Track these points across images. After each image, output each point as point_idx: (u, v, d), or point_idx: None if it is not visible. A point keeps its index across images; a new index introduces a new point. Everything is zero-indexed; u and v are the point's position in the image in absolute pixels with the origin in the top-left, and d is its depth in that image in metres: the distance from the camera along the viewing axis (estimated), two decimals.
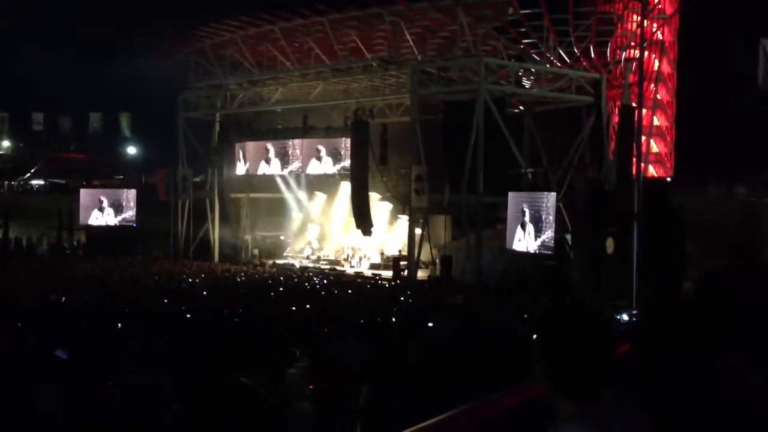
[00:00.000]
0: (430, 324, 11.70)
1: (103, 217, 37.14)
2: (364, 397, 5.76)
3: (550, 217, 22.08)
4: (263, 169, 34.47)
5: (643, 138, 25.68)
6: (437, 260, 27.42)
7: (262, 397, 1.57)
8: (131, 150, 52.31)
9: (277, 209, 36.19)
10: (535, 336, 2.05)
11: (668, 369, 2.22)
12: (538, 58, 27.91)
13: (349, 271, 30.40)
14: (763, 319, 2.21)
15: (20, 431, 5.17)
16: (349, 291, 20.40)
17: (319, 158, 32.19)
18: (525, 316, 13.86)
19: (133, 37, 45.08)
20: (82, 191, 38.71)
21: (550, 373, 1.98)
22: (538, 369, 2.01)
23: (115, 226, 36.71)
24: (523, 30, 27.18)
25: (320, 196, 35.32)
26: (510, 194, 23.93)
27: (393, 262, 28.83)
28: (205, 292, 18.82)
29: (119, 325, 10.82)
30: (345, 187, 31.68)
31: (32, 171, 49.49)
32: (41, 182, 48.55)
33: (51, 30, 53.24)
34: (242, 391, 1.55)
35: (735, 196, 25.90)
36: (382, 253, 31.67)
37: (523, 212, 23.08)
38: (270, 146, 34.17)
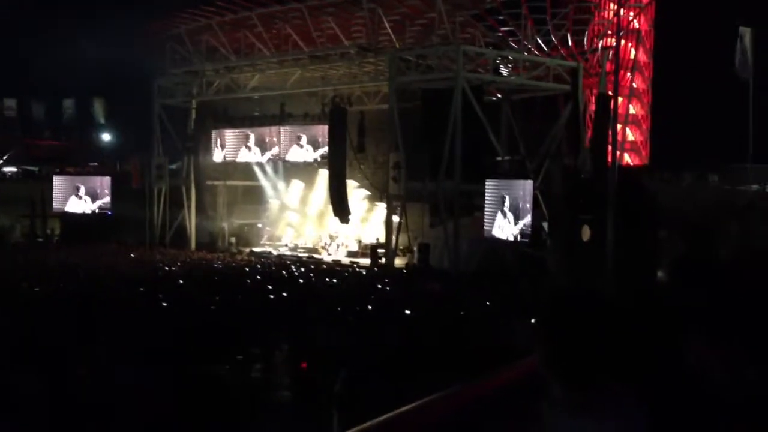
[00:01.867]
0: (408, 311, 11.76)
1: (81, 204, 36.69)
2: (341, 383, 5.77)
3: (528, 205, 22.21)
4: (242, 156, 34.21)
5: (619, 126, 25.87)
6: (415, 248, 27.48)
7: (229, 386, 1.54)
8: (106, 137, 51.62)
9: (255, 197, 36.00)
10: (535, 321, 1.99)
11: (642, 354, 2.24)
12: (515, 46, 27.97)
13: (327, 258, 30.36)
14: (727, 307, 2.24)
15: None
16: (327, 279, 20.40)
17: (300, 145, 31.98)
18: (501, 303, 13.97)
19: (108, 21, 44.37)
20: (57, 178, 38.15)
21: (552, 360, 1.93)
22: (539, 356, 1.95)
23: (91, 213, 36.29)
24: (501, 18, 27.22)
25: (298, 184, 35.18)
26: (487, 182, 24.01)
27: (370, 250, 28.84)
28: (181, 281, 18.71)
29: (94, 313, 10.73)
30: (323, 175, 31.58)
31: (5, 158, 48.68)
32: (14, 169, 47.76)
33: (23, 14, 52.27)
34: (208, 380, 1.52)
35: (709, 184, 26.21)
36: (359, 241, 31.67)
37: (503, 200, 23.20)
38: (249, 133, 33.92)
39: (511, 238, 22.75)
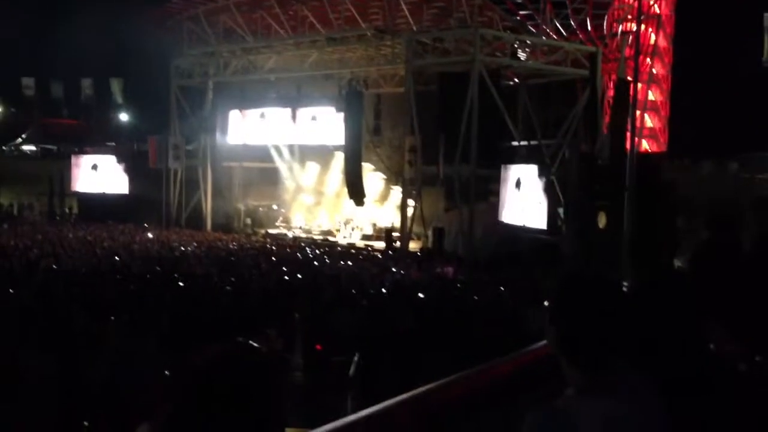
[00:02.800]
0: (421, 295, 11.78)
1: (96, 184, 37.00)
2: (356, 367, 5.81)
3: (543, 191, 22.11)
4: (257, 137, 34.26)
5: (638, 112, 25.63)
6: (429, 232, 27.48)
7: (265, 356, 1.54)
8: (123, 117, 51.89)
9: (270, 179, 36.09)
10: (547, 303, 1.99)
11: (661, 338, 2.24)
12: (534, 30, 27.72)
13: (342, 241, 30.44)
14: (743, 295, 2.24)
15: (8, 394, 5.19)
16: (341, 262, 20.47)
17: (314, 127, 31.95)
18: (514, 288, 13.98)
19: (126, 1, 44.45)
20: (74, 157, 38.50)
21: (563, 342, 1.92)
22: (550, 337, 1.95)
23: (108, 193, 36.57)
24: (520, 1, 26.97)
25: (313, 166, 35.23)
26: (503, 167, 23.92)
27: (385, 234, 28.87)
28: (197, 260, 18.83)
29: (111, 292, 10.85)
30: (338, 158, 31.59)
31: (24, 136, 49.11)
32: (33, 148, 48.20)
33: None
34: (243, 351, 1.52)
35: (728, 171, 25.91)
36: (374, 225, 31.69)
37: (518, 185, 23.10)
38: (264, 115, 33.93)
39: (526, 224, 22.67)
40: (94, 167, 37.26)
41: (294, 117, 32.66)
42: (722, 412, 2.12)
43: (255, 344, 1.54)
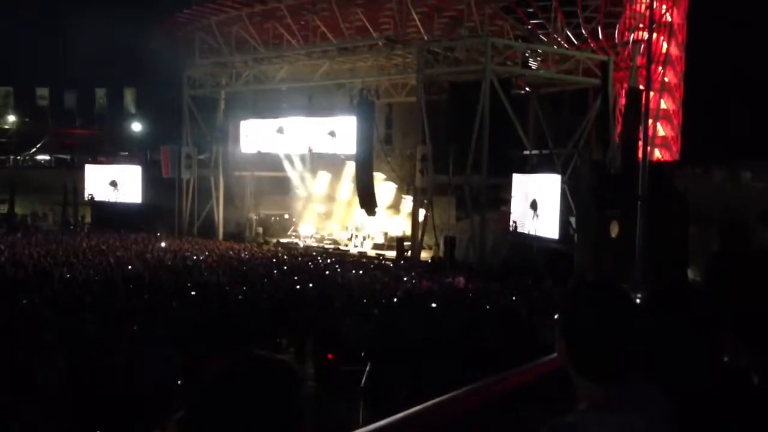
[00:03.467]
0: (433, 304, 11.77)
1: (111, 193, 37.27)
2: (367, 376, 5.80)
3: (555, 200, 22.04)
4: (270, 147, 34.37)
5: (650, 121, 25.54)
6: (441, 241, 27.44)
7: (291, 371, 1.54)
8: (136, 126, 52.19)
9: (282, 188, 36.18)
10: (557, 315, 1.96)
11: (674, 350, 2.23)
12: (545, 39, 27.70)
13: (353, 251, 30.44)
14: (758, 305, 2.22)
15: (19, 398, 5.22)
16: (353, 271, 20.48)
17: (330, 137, 31.92)
18: (525, 298, 13.95)
19: (139, 12, 44.81)
20: (88, 167, 38.79)
21: (573, 353, 1.88)
22: (559, 348, 1.91)
23: (120, 202, 36.79)
24: (531, 10, 26.97)
25: (325, 176, 35.29)
26: (514, 176, 23.88)
27: (396, 243, 28.84)
28: (208, 270, 18.90)
29: (124, 301, 10.91)
30: (350, 167, 31.63)
31: (38, 146, 49.49)
32: (47, 157, 48.59)
33: (56, 4, 52.97)
34: (256, 361, 1.52)
35: (741, 180, 25.77)
36: (385, 234, 31.67)
37: (529, 194, 23.05)
38: (277, 124, 34.04)
39: (538, 233, 22.61)
40: (109, 177, 37.54)
41: (308, 127, 32.66)
42: (735, 424, 2.11)
43: (274, 355, 1.53)
